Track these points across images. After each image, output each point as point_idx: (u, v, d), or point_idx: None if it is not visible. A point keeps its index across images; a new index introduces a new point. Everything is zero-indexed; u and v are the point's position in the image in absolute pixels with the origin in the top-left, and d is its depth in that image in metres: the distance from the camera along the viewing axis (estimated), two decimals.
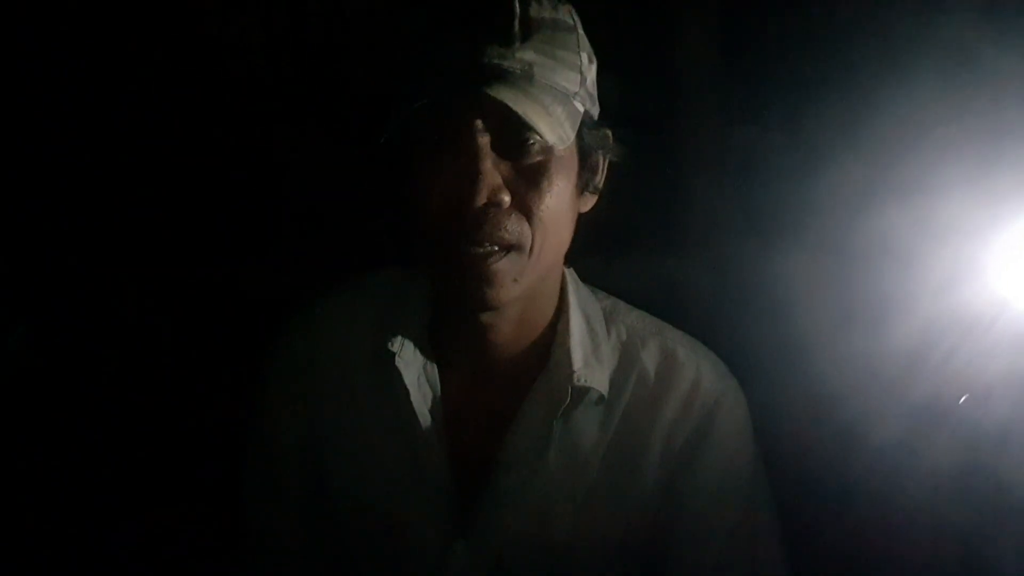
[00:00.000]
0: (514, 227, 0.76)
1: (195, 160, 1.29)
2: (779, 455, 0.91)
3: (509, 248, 0.76)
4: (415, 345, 0.86)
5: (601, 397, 0.85)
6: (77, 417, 1.24)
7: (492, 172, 0.75)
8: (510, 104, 0.71)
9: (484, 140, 0.75)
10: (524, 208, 0.76)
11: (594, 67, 0.82)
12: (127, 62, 1.26)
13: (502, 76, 0.73)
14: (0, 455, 1.21)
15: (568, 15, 0.79)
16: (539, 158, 0.76)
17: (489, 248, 0.75)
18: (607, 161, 0.85)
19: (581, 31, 0.81)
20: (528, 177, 0.76)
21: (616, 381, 0.87)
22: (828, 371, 0.97)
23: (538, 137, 0.74)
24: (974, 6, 1.00)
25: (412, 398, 0.84)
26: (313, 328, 0.93)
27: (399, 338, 0.86)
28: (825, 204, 1.03)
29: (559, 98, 0.76)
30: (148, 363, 1.28)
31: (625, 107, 1.08)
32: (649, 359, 0.88)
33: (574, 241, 0.88)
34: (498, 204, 0.75)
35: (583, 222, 0.88)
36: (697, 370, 0.88)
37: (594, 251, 0.96)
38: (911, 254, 0.92)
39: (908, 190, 0.95)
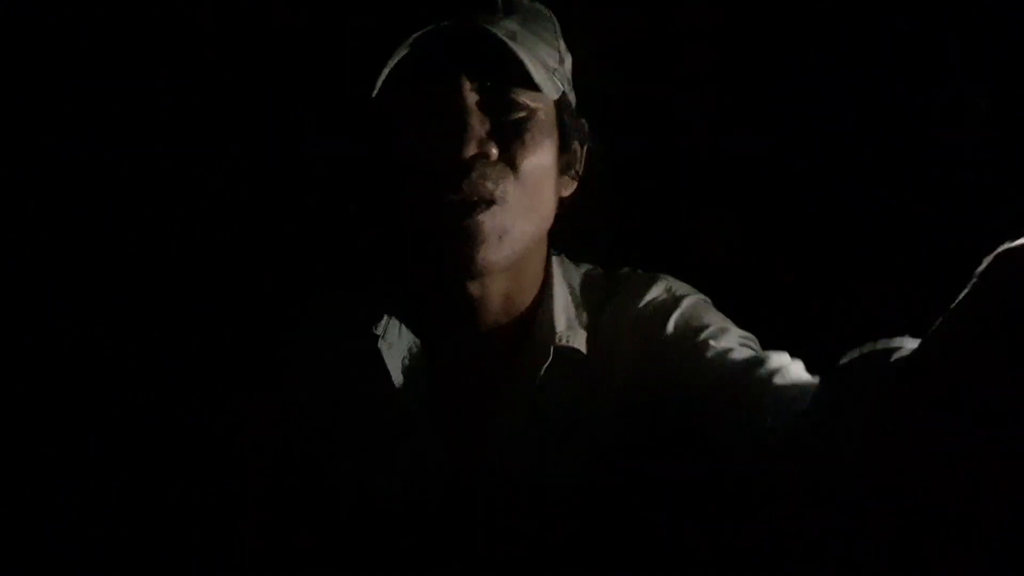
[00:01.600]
0: (498, 178, 0.78)
1: (189, 159, 1.29)
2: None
3: (494, 202, 0.78)
4: (401, 326, 0.88)
5: (584, 357, 0.86)
6: (75, 416, 1.24)
7: (479, 126, 0.78)
8: (505, 40, 0.74)
9: (471, 96, 0.78)
10: (509, 161, 0.79)
11: (569, 59, 0.87)
12: (118, 56, 1.26)
13: (490, 32, 0.76)
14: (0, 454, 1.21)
15: (545, 9, 0.85)
16: (523, 114, 0.80)
17: (474, 200, 0.78)
18: (585, 149, 0.89)
19: (557, 25, 0.86)
20: (513, 132, 0.80)
21: (595, 335, 0.88)
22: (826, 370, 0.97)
23: (521, 99, 0.79)
24: (974, 6, 1.01)
25: (394, 378, 0.86)
26: (302, 325, 0.95)
27: (383, 321, 0.88)
28: (824, 203, 1.03)
29: (542, 64, 0.80)
30: (142, 363, 1.28)
31: (624, 106, 1.09)
32: (620, 304, 0.89)
33: (573, 241, 0.89)
34: (485, 155, 0.78)
35: (583, 221, 0.89)
36: (661, 287, 0.90)
37: (593, 251, 0.97)
38: (910, 253, 0.92)
39: (908, 189, 0.95)
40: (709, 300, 0.90)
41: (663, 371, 0.83)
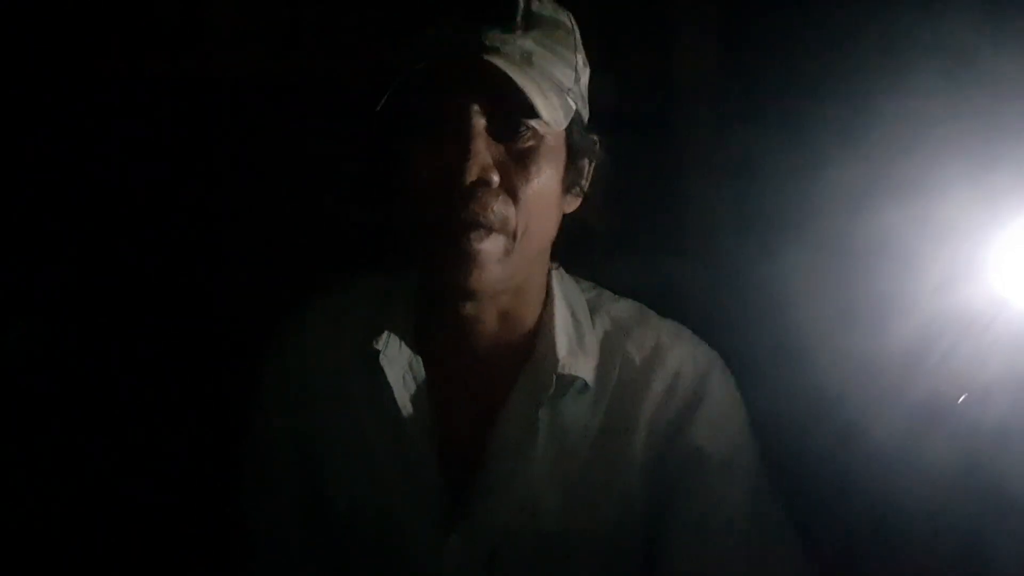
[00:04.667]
0: (500, 208, 0.77)
1: (187, 160, 1.29)
2: (776, 455, 0.91)
3: (493, 229, 0.78)
4: (401, 341, 0.87)
5: (586, 385, 0.86)
6: (75, 417, 1.24)
7: (484, 152, 0.76)
8: (510, 74, 0.73)
9: (479, 121, 0.77)
10: (511, 190, 0.78)
11: (587, 72, 0.85)
12: (115, 56, 1.27)
13: (502, 56, 0.75)
14: None
15: (567, 19, 0.83)
16: (530, 143, 0.79)
17: (474, 225, 0.77)
18: (592, 166, 0.87)
19: (578, 36, 0.83)
20: (518, 161, 0.78)
21: (601, 370, 0.87)
22: (826, 370, 0.97)
23: (531, 124, 0.77)
24: (974, 6, 1.00)
25: (396, 395, 0.85)
26: (303, 332, 0.94)
27: (384, 335, 0.87)
28: (824, 204, 1.03)
29: (554, 88, 0.78)
30: (141, 367, 1.28)
31: (624, 105, 1.08)
32: (633, 347, 0.89)
33: (573, 242, 0.89)
34: (487, 183, 0.77)
35: (583, 222, 0.89)
36: (681, 355, 0.88)
37: (592, 251, 0.96)
38: (910, 253, 0.92)
39: (907, 189, 0.94)
40: (728, 373, 0.90)
41: (653, 454, 0.86)
